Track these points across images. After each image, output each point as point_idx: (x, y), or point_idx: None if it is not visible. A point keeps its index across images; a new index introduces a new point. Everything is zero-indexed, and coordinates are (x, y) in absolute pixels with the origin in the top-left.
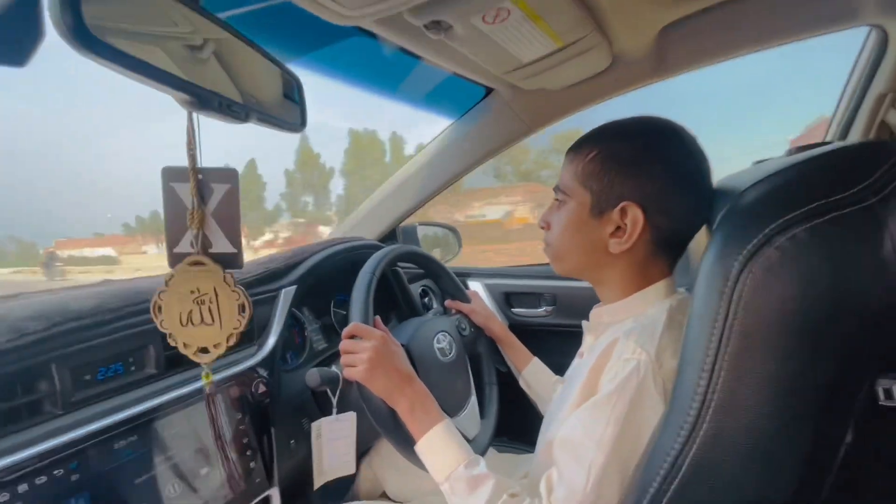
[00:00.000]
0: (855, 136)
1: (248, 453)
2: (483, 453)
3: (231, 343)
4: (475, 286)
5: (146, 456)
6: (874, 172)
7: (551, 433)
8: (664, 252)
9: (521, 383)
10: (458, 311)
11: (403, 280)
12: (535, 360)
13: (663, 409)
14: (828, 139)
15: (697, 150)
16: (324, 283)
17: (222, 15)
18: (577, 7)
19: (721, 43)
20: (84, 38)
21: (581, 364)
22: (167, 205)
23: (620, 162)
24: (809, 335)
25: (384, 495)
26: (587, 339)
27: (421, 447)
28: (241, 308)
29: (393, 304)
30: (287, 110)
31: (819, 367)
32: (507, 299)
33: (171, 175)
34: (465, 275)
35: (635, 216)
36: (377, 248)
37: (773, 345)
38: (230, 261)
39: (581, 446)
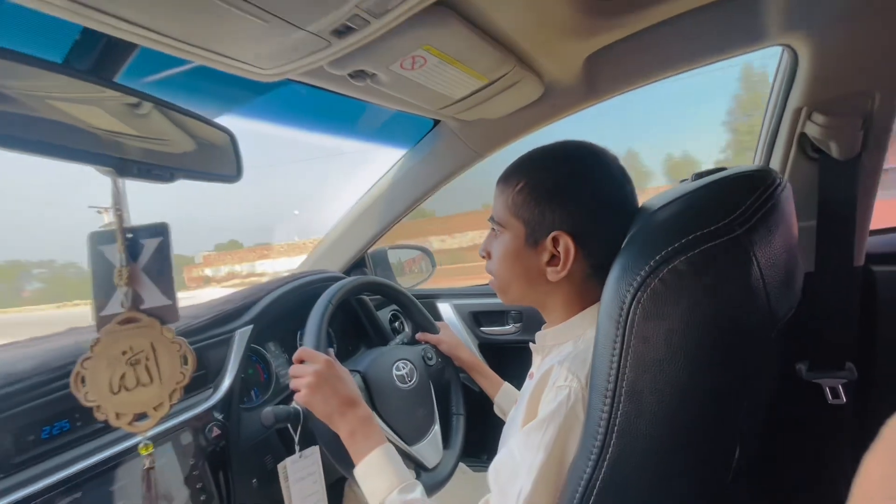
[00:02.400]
0: (779, 149)
1: (203, 498)
2: (444, 481)
3: (174, 400)
4: (443, 307)
5: None
6: (742, 205)
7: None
8: (599, 274)
9: (496, 409)
10: (426, 342)
11: (370, 308)
12: (506, 384)
13: None
14: (756, 154)
15: (619, 173)
16: (288, 317)
17: (149, 78)
18: (494, 48)
19: (644, 67)
20: None
21: (529, 385)
22: (94, 268)
23: (547, 192)
24: (693, 358)
25: None
26: (535, 360)
27: (359, 471)
28: (184, 359)
29: (361, 333)
30: (222, 163)
31: (704, 386)
32: (476, 318)
33: (98, 239)
34: (434, 296)
35: (567, 245)
36: (337, 278)
37: (662, 369)
38: (165, 314)
39: (512, 474)
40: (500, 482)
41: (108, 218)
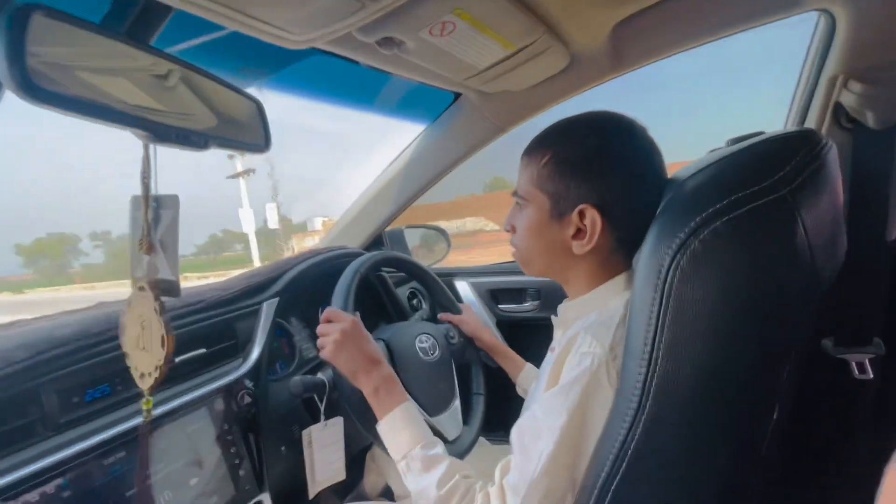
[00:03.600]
0: (812, 119)
1: (237, 461)
2: (464, 454)
3: (157, 376)
4: (461, 286)
5: (135, 470)
6: (788, 163)
7: None
8: (625, 247)
9: (518, 390)
10: (449, 322)
11: (389, 285)
12: (528, 365)
13: (613, 401)
14: (788, 123)
15: (649, 144)
16: (310, 292)
17: (178, 47)
18: (524, 14)
19: (674, 36)
20: (32, 90)
21: (551, 357)
22: (132, 232)
23: (573, 165)
24: (732, 322)
25: (388, 489)
26: (557, 334)
27: (382, 426)
28: (162, 342)
29: (380, 309)
30: (250, 133)
31: (743, 351)
32: (494, 296)
33: (136, 204)
34: (451, 275)
35: (594, 218)
36: (358, 255)
37: (701, 332)
38: (169, 288)
39: (534, 434)
40: (523, 442)
41: (241, 166)
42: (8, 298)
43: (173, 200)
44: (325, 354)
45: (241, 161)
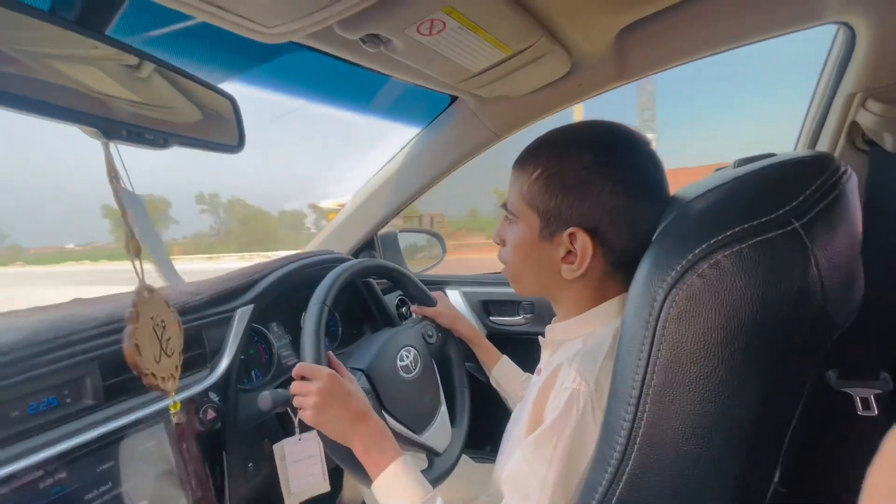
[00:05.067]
0: (826, 138)
1: (193, 482)
2: (454, 463)
3: (178, 375)
4: (453, 294)
5: (77, 493)
6: (801, 193)
7: (503, 459)
8: (620, 270)
9: (492, 381)
10: (424, 317)
11: (376, 291)
12: (504, 357)
13: None
14: (799, 142)
15: (649, 159)
16: (291, 297)
17: (144, 36)
18: (519, 15)
19: (681, 45)
20: None
21: (536, 382)
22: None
23: (566, 183)
24: (733, 367)
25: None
26: (544, 355)
27: (377, 486)
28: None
29: (367, 315)
30: (222, 131)
31: (744, 400)
32: (485, 307)
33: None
34: (444, 283)
35: (584, 242)
36: (342, 260)
37: (697, 378)
38: (171, 276)
39: (526, 486)
40: (514, 495)
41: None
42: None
43: (136, 200)
44: (307, 419)
45: None
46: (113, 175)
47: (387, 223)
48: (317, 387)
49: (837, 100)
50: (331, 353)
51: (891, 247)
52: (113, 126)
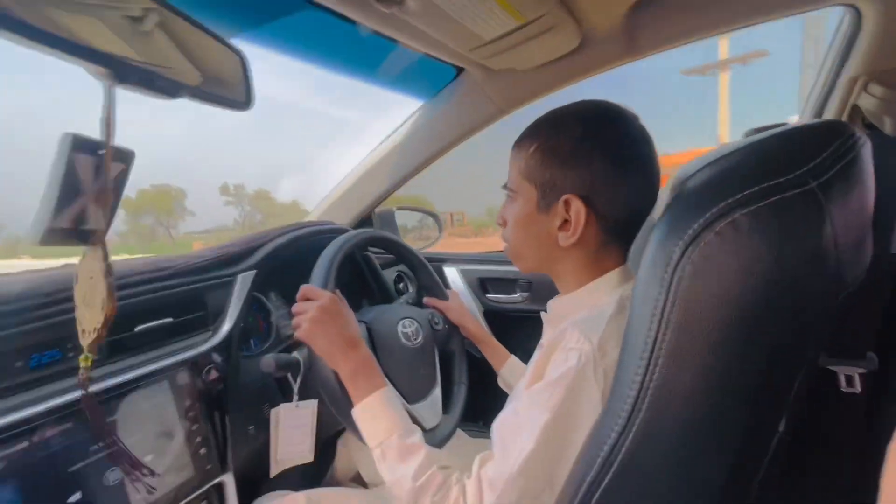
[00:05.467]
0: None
1: (198, 440)
2: (441, 444)
3: (95, 337)
4: (450, 272)
5: (81, 444)
6: (818, 155)
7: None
8: (615, 241)
9: (500, 382)
10: (434, 307)
11: (375, 265)
12: (512, 357)
13: (600, 400)
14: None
15: (638, 134)
16: (292, 267)
17: None
18: None
19: (691, 23)
20: None
21: (538, 353)
22: (63, 174)
23: (559, 155)
24: (745, 324)
25: (358, 475)
26: (547, 331)
27: (357, 412)
28: (102, 304)
29: (365, 289)
30: (230, 88)
31: (753, 358)
32: (483, 285)
33: (75, 144)
34: (441, 260)
35: (578, 208)
36: (343, 231)
37: (710, 334)
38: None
39: (515, 430)
40: (503, 437)
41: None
42: None
43: (128, 154)
44: (300, 334)
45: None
46: (109, 120)
47: (386, 198)
48: (317, 304)
49: (840, 83)
50: (337, 290)
51: (881, 225)
52: (126, 69)
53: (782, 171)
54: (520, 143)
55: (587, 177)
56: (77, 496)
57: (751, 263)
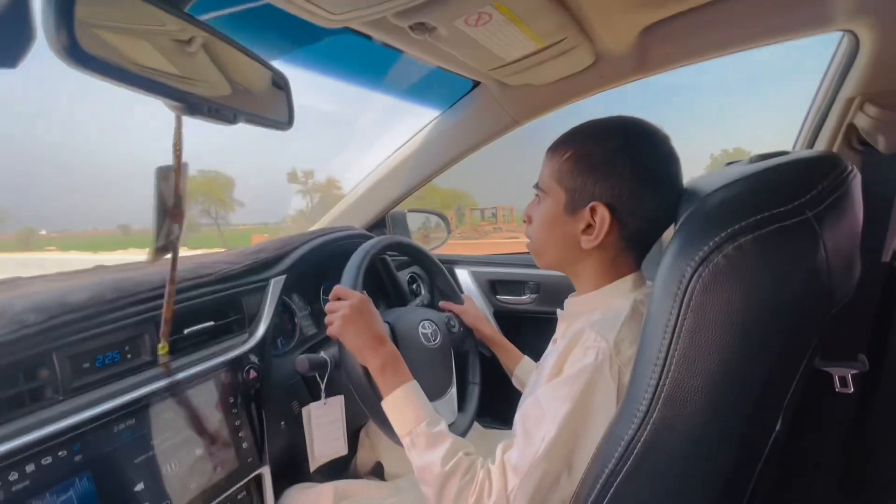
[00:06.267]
0: (823, 139)
1: (240, 435)
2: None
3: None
4: (462, 274)
5: (144, 437)
6: (814, 188)
7: None
8: (633, 249)
9: (515, 382)
10: (450, 311)
11: (391, 268)
12: (525, 358)
13: (615, 393)
14: (799, 140)
15: (668, 153)
16: (313, 271)
17: (206, 17)
18: (558, 10)
19: (699, 44)
20: (78, 56)
21: (553, 349)
22: (157, 201)
23: (592, 163)
24: (749, 335)
25: (378, 466)
26: (561, 326)
27: (387, 403)
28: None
29: (381, 291)
30: (275, 109)
31: (756, 365)
32: (493, 287)
33: (161, 173)
34: (453, 262)
35: (603, 216)
36: (366, 237)
37: (717, 344)
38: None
39: (538, 420)
40: (526, 426)
41: None
42: None
43: (185, 167)
44: (332, 330)
45: None
46: (178, 145)
47: (400, 202)
48: (349, 303)
49: (837, 103)
50: (364, 291)
51: (873, 237)
52: (197, 102)
53: (783, 202)
54: (555, 147)
55: (616, 187)
56: (141, 485)
57: (754, 283)
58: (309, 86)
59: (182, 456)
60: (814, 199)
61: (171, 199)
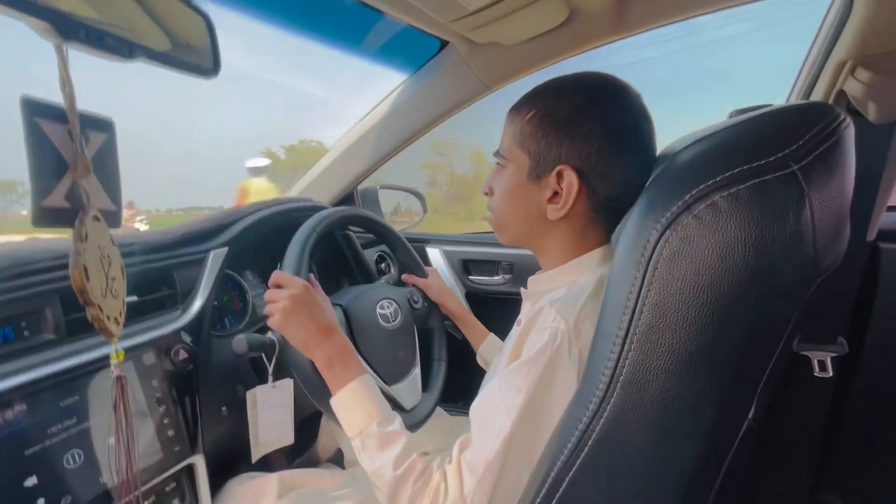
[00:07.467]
0: None
1: (165, 422)
2: (421, 423)
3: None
4: (433, 253)
5: (38, 426)
6: (801, 137)
7: None
8: (603, 219)
9: (479, 360)
10: (413, 285)
11: (356, 244)
12: (491, 335)
13: (575, 380)
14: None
15: (639, 110)
16: (268, 245)
17: None
18: None
19: (679, 1)
20: None
21: (516, 330)
22: (34, 147)
23: (557, 122)
24: (721, 308)
25: (339, 453)
26: (525, 306)
27: (335, 401)
28: (122, 273)
29: (345, 269)
30: (195, 53)
31: (728, 342)
32: (465, 266)
33: (35, 109)
34: (424, 241)
35: (571, 181)
36: (320, 208)
37: (685, 318)
38: (110, 220)
39: (493, 412)
40: (481, 420)
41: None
42: None
43: (107, 123)
44: (272, 323)
45: None
46: (66, 83)
47: (368, 175)
48: (288, 293)
49: (828, 67)
50: (311, 275)
51: (858, 213)
52: (72, 26)
53: (763, 154)
54: (517, 108)
55: (584, 148)
56: (33, 480)
57: (728, 247)
58: None
59: (88, 446)
60: (800, 151)
61: (69, 147)
